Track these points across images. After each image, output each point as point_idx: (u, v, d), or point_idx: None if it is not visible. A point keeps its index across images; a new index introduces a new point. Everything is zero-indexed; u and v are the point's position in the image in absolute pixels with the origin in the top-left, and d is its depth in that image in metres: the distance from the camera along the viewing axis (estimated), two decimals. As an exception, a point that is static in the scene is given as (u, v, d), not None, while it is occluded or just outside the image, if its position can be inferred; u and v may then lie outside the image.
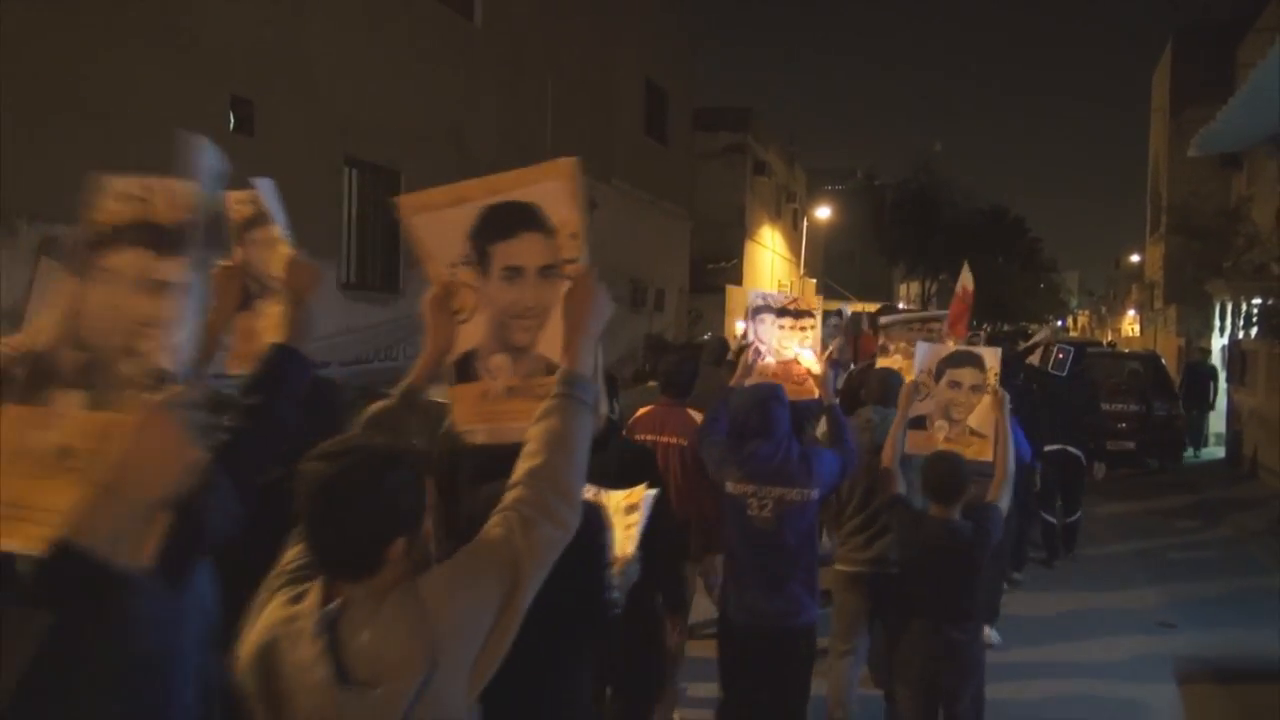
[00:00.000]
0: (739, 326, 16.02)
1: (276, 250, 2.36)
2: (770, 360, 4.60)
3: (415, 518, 1.55)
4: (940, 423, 4.21)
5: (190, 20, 8.16)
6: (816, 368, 4.41)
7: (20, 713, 1.02)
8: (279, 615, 1.51)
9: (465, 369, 2.02)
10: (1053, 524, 8.58)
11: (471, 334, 2.00)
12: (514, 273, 1.95)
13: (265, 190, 2.41)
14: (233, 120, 8.75)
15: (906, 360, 5.44)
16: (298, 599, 1.52)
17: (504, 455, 1.76)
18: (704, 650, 5.36)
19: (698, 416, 4.55)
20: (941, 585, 3.70)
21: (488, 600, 1.52)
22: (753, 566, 3.89)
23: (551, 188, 1.91)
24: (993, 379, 4.20)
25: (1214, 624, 6.94)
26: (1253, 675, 6.02)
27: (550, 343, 1.91)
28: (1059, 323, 63.86)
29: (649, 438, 4.58)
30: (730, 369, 6.62)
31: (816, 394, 4.46)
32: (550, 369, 1.88)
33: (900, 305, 34.98)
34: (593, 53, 16.04)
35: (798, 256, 34.65)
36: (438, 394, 2.06)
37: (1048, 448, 7.76)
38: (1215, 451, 16.13)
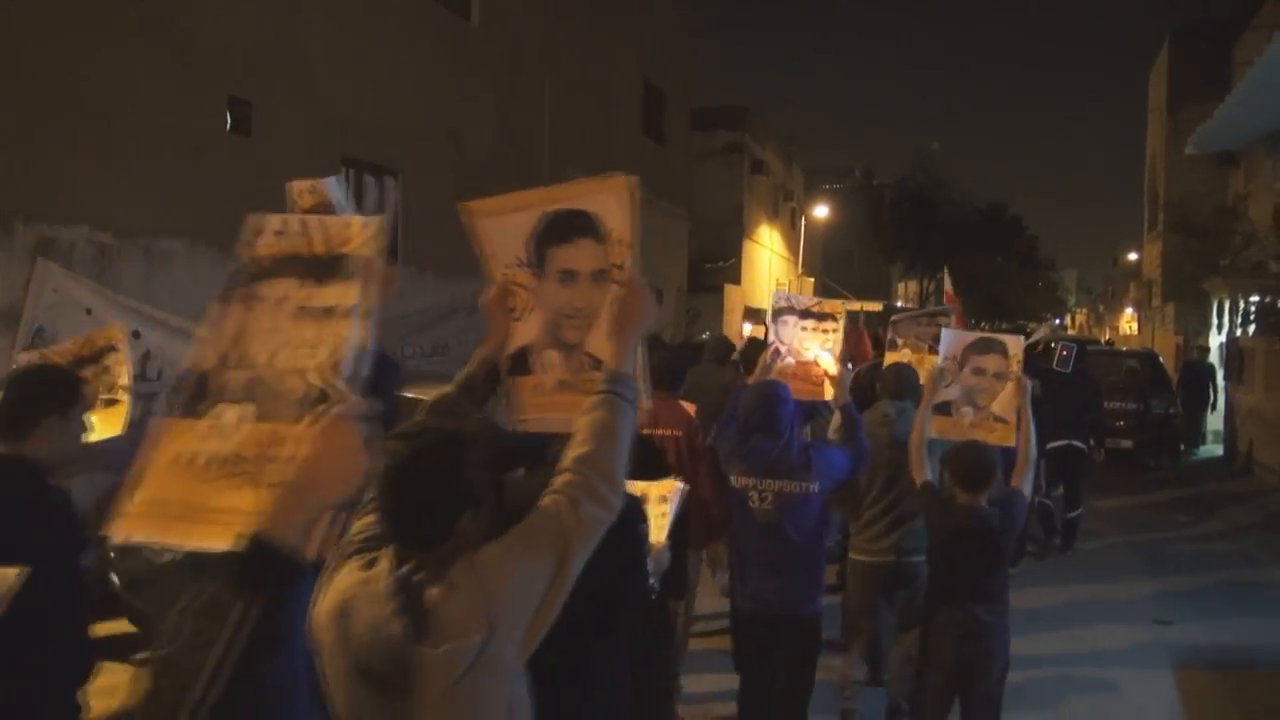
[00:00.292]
0: (745, 328, 16.00)
1: None
2: (790, 361, 4.68)
3: (480, 493, 1.69)
4: (964, 408, 4.31)
5: (187, 20, 8.14)
6: (834, 369, 4.50)
7: (235, 688, 1.15)
8: (353, 579, 1.62)
9: (520, 363, 2.16)
10: (1049, 507, 8.70)
11: (526, 331, 2.16)
12: (568, 276, 2.08)
13: (333, 187, 2.47)
14: (230, 120, 8.74)
15: (915, 355, 5.64)
16: (369, 565, 1.64)
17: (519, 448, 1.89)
18: (702, 644, 5.49)
19: (690, 409, 4.70)
20: (969, 569, 3.81)
21: (540, 571, 1.67)
22: (756, 557, 4.03)
23: (609, 199, 2.04)
24: (1016, 366, 4.29)
25: (1209, 617, 7.02)
26: (1248, 666, 6.12)
27: (599, 341, 2.04)
28: (1057, 321, 63.94)
29: (644, 431, 4.62)
30: (734, 368, 6.71)
31: (831, 395, 4.54)
32: (598, 365, 2.02)
33: (899, 304, 35.03)
34: (590, 52, 16.03)
35: (796, 255, 34.66)
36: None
37: (1052, 444, 7.84)
38: (1213, 450, 16.15)
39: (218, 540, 1.40)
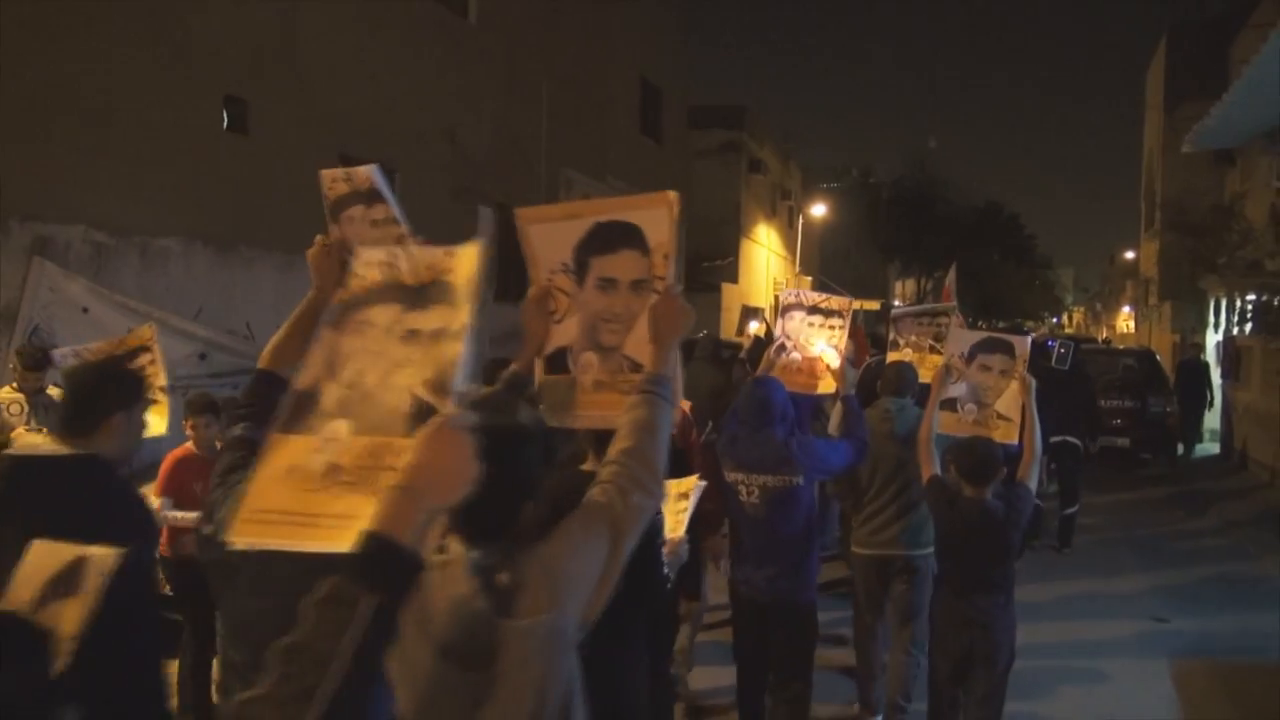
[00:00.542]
0: (752, 325, 16.00)
1: (390, 232, 2.54)
2: (796, 356, 4.74)
3: (540, 484, 1.85)
4: (970, 405, 4.42)
5: (184, 19, 8.13)
6: (835, 363, 4.56)
7: (359, 675, 1.27)
8: (431, 563, 1.75)
9: (557, 363, 2.29)
10: (1040, 508, 8.81)
11: (563, 333, 2.28)
12: (608, 283, 2.22)
13: (377, 175, 2.54)
14: (227, 119, 8.73)
15: (917, 353, 5.72)
16: (439, 550, 1.80)
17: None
18: (704, 636, 5.68)
19: (684, 406, 4.75)
20: (976, 560, 3.92)
21: (597, 554, 1.82)
22: (748, 548, 4.18)
23: (654, 214, 2.18)
24: (1021, 365, 4.39)
25: (1204, 612, 7.13)
26: (1242, 660, 6.21)
27: (636, 345, 2.19)
28: (1054, 320, 64.03)
29: None
30: (724, 366, 6.76)
31: (828, 388, 4.63)
32: (634, 367, 2.18)
33: (896, 303, 35.05)
34: (587, 50, 16.02)
35: (793, 254, 34.68)
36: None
37: (1050, 439, 7.90)
38: (1210, 448, 16.17)
39: (331, 543, 1.54)
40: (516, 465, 1.78)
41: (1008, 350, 4.43)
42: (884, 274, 45.14)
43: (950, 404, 4.42)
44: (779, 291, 31.57)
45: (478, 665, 1.71)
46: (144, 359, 3.67)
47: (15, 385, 5.67)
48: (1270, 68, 8.60)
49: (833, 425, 4.71)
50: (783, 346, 4.78)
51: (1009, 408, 4.37)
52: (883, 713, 4.89)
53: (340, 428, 1.68)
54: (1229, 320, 18.57)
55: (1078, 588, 7.71)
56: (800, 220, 34.80)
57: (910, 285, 43.32)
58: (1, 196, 6.67)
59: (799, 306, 4.83)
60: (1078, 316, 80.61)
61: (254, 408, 2.29)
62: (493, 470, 1.57)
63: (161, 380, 3.20)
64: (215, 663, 3.50)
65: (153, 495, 4.40)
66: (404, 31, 11.18)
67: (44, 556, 2.03)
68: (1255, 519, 10.65)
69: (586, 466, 2.58)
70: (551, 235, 2.28)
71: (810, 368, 4.66)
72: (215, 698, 4.03)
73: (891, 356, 5.81)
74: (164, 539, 4.44)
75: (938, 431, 4.29)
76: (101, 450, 2.62)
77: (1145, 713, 5.39)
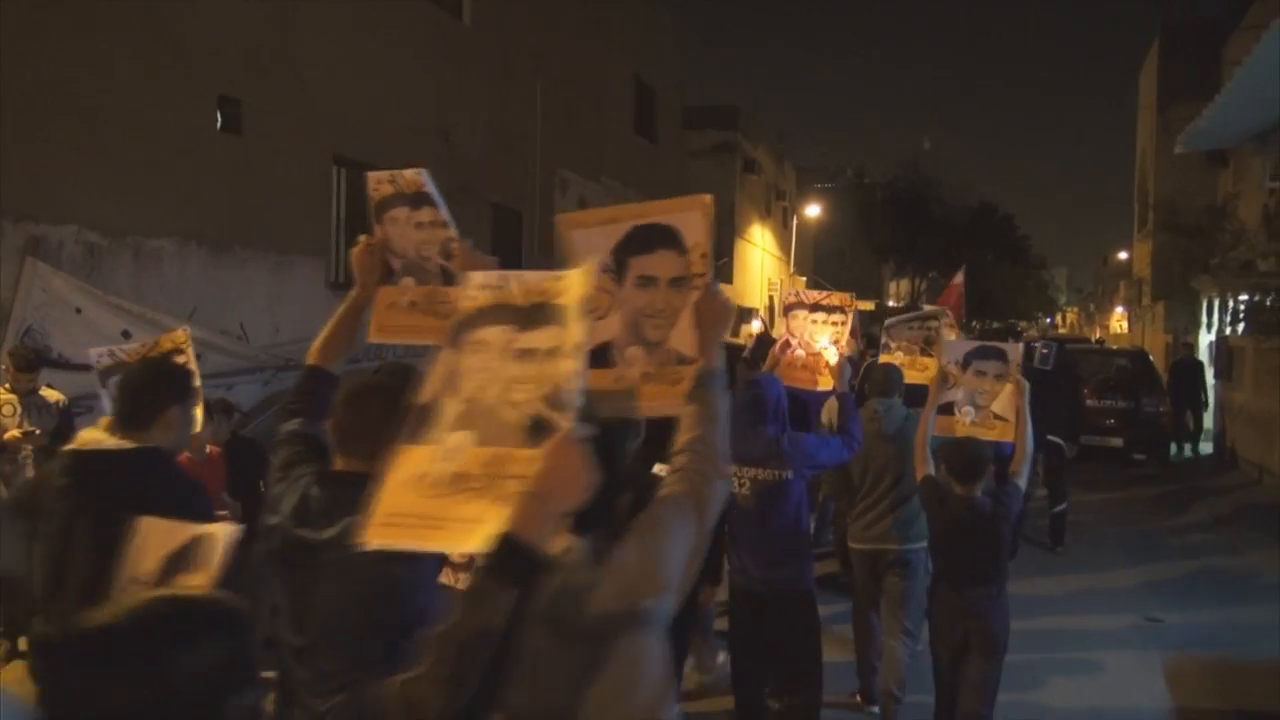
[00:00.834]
0: (755, 325, 16.03)
1: (437, 235, 2.62)
2: (800, 353, 4.89)
3: (632, 477, 2.02)
4: (966, 408, 4.65)
5: (177, 19, 8.10)
6: (834, 359, 4.70)
7: (497, 664, 1.44)
8: None
9: (600, 357, 2.37)
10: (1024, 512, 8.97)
11: (605, 330, 2.39)
12: (648, 281, 2.34)
13: (426, 179, 2.64)
14: (220, 119, 8.70)
15: (908, 357, 6.00)
16: None
17: None
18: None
19: None
20: (967, 555, 4.15)
21: (687, 536, 1.96)
22: (741, 540, 4.28)
23: (690, 216, 2.31)
24: (1014, 369, 4.65)
25: (1194, 605, 7.34)
26: (1230, 650, 6.40)
27: (680, 338, 2.32)
28: (1048, 320, 64.16)
29: None
30: (744, 364, 6.81)
31: (823, 386, 4.79)
32: (680, 359, 2.31)
33: (890, 303, 35.10)
34: (582, 51, 16.02)
35: (787, 254, 34.71)
36: None
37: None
38: (1204, 447, 16.21)
39: (460, 544, 1.77)
40: (616, 458, 1.94)
41: (1001, 357, 4.67)
42: (878, 274, 45.21)
43: (948, 408, 4.65)
44: (772, 291, 31.62)
45: (585, 643, 1.85)
46: (179, 360, 3.86)
47: (8, 386, 5.65)
48: (1263, 69, 8.63)
49: (826, 420, 4.90)
50: (787, 343, 4.95)
51: (1005, 408, 4.58)
52: (879, 701, 5.00)
53: (463, 439, 1.81)
54: (1222, 320, 18.62)
55: (1070, 584, 7.83)
56: (794, 220, 34.83)
57: (904, 285, 43.35)
58: (-6, 197, 6.65)
59: (800, 305, 4.96)
60: (1071, 317, 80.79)
61: (305, 403, 2.45)
62: (598, 464, 1.70)
63: (195, 381, 3.34)
64: None
65: None
66: (398, 32, 11.16)
67: (160, 534, 2.12)
68: (1244, 516, 10.83)
69: None
70: (591, 239, 2.38)
71: (814, 364, 4.81)
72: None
73: (884, 359, 6.05)
74: None
75: (935, 434, 4.49)
76: (158, 443, 2.76)
77: (1137, 705, 5.50)
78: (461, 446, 1.80)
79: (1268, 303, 14.06)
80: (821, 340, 4.79)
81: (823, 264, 41.25)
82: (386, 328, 2.63)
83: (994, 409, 4.59)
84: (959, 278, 8.20)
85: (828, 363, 4.68)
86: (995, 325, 32.50)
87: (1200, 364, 16.44)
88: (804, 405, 5.19)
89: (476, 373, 1.88)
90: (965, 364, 4.69)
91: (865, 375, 6.46)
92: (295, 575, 2.19)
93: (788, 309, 5.03)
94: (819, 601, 4.43)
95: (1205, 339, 19.56)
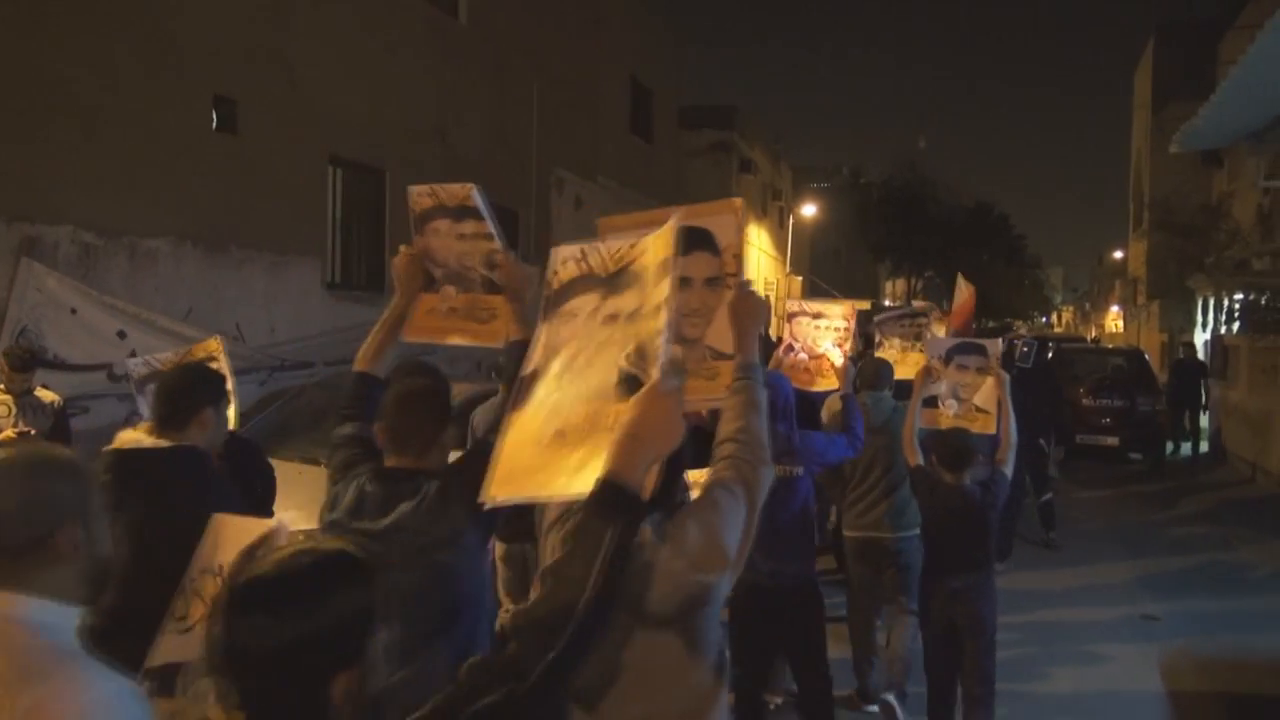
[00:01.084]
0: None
1: (481, 247, 2.74)
2: (803, 356, 5.08)
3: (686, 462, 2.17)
4: (950, 401, 4.86)
5: (173, 19, 8.09)
6: (839, 362, 4.89)
7: (605, 592, 1.54)
8: None
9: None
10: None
11: None
12: (684, 282, 2.37)
13: (477, 195, 2.75)
14: (216, 119, 8.69)
15: (900, 353, 6.17)
16: None
17: None
18: None
19: None
20: (956, 541, 4.30)
21: (739, 518, 2.08)
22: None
23: (723, 219, 2.43)
24: (995, 363, 4.86)
25: (1185, 596, 7.56)
26: (1222, 637, 6.61)
27: (716, 335, 2.42)
28: (1044, 319, 64.27)
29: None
30: None
31: (834, 386, 4.93)
32: (716, 355, 2.41)
33: (886, 302, 35.13)
34: (578, 51, 16.01)
35: (784, 254, 34.72)
36: None
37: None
38: (1203, 447, 16.25)
39: (567, 491, 1.88)
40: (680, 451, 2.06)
41: (981, 352, 4.90)
42: (874, 274, 45.24)
43: (932, 401, 4.86)
44: (769, 290, 31.64)
45: (655, 621, 1.95)
46: (213, 366, 3.99)
47: (3, 387, 5.63)
48: (1258, 69, 8.63)
49: (826, 419, 4.94)
50: (790, 346, 5.12)
51: (986, 401, 4.78)
52: (892, 692, 5.02)
53: (562, 399, 1.99)
54: (1216, 319, 18.66)
55: (1067, 579, 7.99)
56: (791, 220, 34.84)
57: (900, 285, 43.40)
58: (-11, 197, 6.64)
59: (803, 314, 5.17)
60: (1067, 316, 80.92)
61: (358, 408, 2.66)
62: None
63: (229, 385, 3.55)
64: None
65: None
66: (394, 31, 11.15)
67: (235, 530, 2.22)
68: (1237, 511, 11.04)
69: None
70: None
71: (816, 366, 4.99)
72: None
73: (875, 354, 6.22)
74: None
75: (921, 427, 4.69)
76: (194, 442, 2.92)
77: (1133, 695, 5.63)
78: (561, 406, 1.98)
79: (1262, 301, 14.11)
80: (824, 344, 4.97)
81: (819, 263, 41.27)
82: (421, 328, 2.79)
83: (976, 402, 4.80)
84: (967, 296, 8.19)
85: (833, 364, 4.84)
86: (991, 325, 32.52)
87: (1203, 365, 16.42)
88: (811, 404, 5.29)
89: (569, 340, 2.05)
90: (948, 359, 4.90)
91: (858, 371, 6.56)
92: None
93: (790, 316, 5.22)
94: None
95: (1200, 338, 19.59)
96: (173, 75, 8.07)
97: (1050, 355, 16.00)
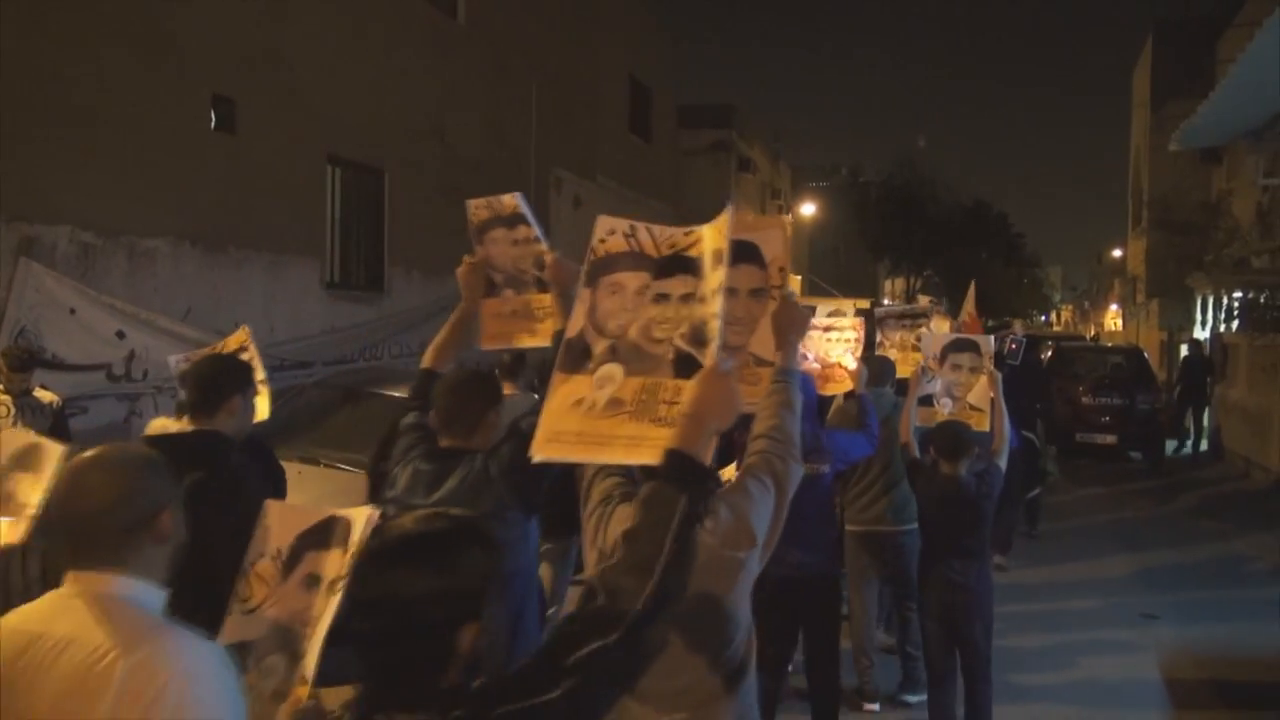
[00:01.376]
0: None
1: (531, 250, 2.94)
2: (816, 365, 5.21)
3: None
4: (944, 400, 5.01)
5: (172, 18, 8.08)
6: (852, 366, 5.06)
7: (681, 553, 1.69)
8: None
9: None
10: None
11: None
12: (729, 292, 2.47)
13: (521, 201, 2.96)
14: (214, 119, 8.68)
15: (901, 353, 6.31)
16: None
17: None
18: None
19: None
20: (952, 530, 4.44)
21: (768, 506, 2.28)
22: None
23: (771, 234, 2.58)
24: (988, 362, 5.00)
25: (1180, 589, 7.77)
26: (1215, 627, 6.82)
27: (759, 343, 2.56)
28: (1043, 318, 64.29)
29: None
30: None
31: (845, 390, 5.10)
32: (759, 362, 2.55)
33: (885, 301, 35.14)
34: (576, 50, 16.00)
35: (783, 253, 34.66)
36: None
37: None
38: (1203, 445, 16.26)
39: (626, 458, 2.07)
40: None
41: (975, 349, 5.04)
42: (873, 272, 45.22)
43: (928, 400, 5.01)
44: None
45: (693, 591, 2.06)
46: (244, 356, 4.13)
47: (2, 387, 5.63)
48: (1256, 66, 8.63)
49: (836, 420, 5.12)
50: (804, 355, 5.18)
51: (980, 399, 4.93)
52: (916, 690, 5.17)
53: (614, 370, 2.10)
54: (1216, 317, 18.67)
55: (1065, 572, 8.14)
56: (790, 219, 34.83)
57: (899, 283, 43.39)
58: (-13, 197, 6.63)
59: (812, 329, 5.23)
60: (1066, 314, 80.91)
61: (421, 400, 2.89)
62: None
63: (260, 375, 3.77)
64: None
65: None
66: (393, 31, 11.14)
67: (289, 516, 2.37)
68: (1233, 506, 11.23)
69: None
70: None
71: (829, 373, 5.11)
72: None
73: (876, 353, 6.31)
74: None
75: (917, 424, 4.83)
76: (222, 428, 3.05)
77: (1131, 682, 5.80)
78: (613, 376, 2.09)
79: (1261, 300, 14.11)
80: (835, 352, 5.13)
81: (818, 262, 41.25)
82: (494, 335, 3.02)
83: (970, 400, 4.97)
84: (972, 305, 8.36)
85: (845, 368, 5.01)
86: (990, 324, 32.52)
87: (1210, 362, 16.39)
88: (825, 407, 5.46)
89: (617, 313, 2.15)
90: (942, 358, 5.06)
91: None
92: None
93: None
94: None
95: (1200, 336, 19.59)
96: (172, 75, 8.06)
97: (1050, 354, 16.05)
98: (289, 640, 2.07)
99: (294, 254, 9.59)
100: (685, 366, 2.04)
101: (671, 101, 21.97)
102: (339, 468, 6.28)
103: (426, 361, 3.01)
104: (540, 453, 2.09)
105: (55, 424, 5.65)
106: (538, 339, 2.93)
